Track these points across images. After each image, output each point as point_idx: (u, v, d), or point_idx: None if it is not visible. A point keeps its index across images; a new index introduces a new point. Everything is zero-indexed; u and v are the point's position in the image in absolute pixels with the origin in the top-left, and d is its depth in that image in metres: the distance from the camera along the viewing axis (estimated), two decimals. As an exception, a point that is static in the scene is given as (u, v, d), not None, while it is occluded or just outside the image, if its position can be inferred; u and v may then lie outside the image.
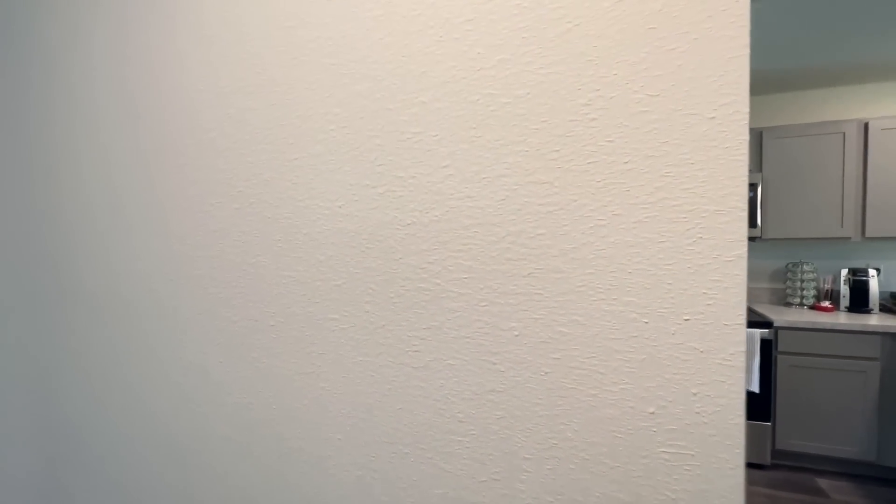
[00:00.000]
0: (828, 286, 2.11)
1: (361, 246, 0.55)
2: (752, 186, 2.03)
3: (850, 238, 1.96)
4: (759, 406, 1.88)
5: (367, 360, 0.55)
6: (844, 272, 2.00)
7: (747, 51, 0.39)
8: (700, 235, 0.42)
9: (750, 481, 1.81)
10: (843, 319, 1.82)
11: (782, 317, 1.89)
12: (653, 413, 0.44)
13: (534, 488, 0.49)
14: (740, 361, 0.41)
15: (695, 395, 0.43)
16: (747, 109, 0.40)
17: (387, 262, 0.54)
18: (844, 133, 1.94)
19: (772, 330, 1.85)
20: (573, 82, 0.45)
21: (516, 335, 0.49)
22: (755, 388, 1.78)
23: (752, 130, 2.09)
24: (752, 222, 2.04)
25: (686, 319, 0.42)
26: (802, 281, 2.12)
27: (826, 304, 2.03)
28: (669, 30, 0.42)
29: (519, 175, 0.47)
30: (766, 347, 1.85)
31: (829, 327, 1.79)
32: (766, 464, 1.89)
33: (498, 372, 0.50)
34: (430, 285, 0.52)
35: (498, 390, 0.50)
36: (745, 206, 0.40)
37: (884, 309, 2.00)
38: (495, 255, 0.49)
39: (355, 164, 0.54)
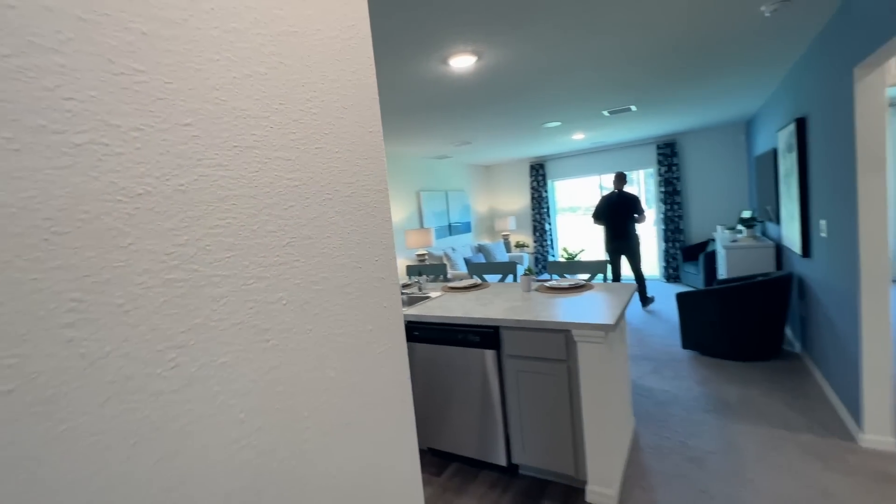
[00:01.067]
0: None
1: (39, 232, 0.31)
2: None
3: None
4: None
5: (83, 421, 0.33)
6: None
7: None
8: (375, 206, 0.65)
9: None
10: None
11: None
12: (371, 329, 0.63)
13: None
14: (398, 278, 0.69)
15: (385, 308, 0.66)
16: (378, 105, 0.67)
17: (105, 251, 0.35)
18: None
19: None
20: (298, 78, 0.53)
21: (284, 304, 0.50)
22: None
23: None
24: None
25: (376, 261, 0.65)
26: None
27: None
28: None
29: (267, 148, 0.49)
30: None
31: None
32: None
33: (273, 348, 0.48)
34: (185, 274, 0.40)
35: (276, 366, 0.49)
36: (386, 185, 0.68)
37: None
38: (256, 227, 0.47)
39: (6, 81, 0.30)
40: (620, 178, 5.45)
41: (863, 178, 2.20)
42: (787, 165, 3.56)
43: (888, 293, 2.24)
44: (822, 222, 2.85)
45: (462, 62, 2.59)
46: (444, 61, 2.58)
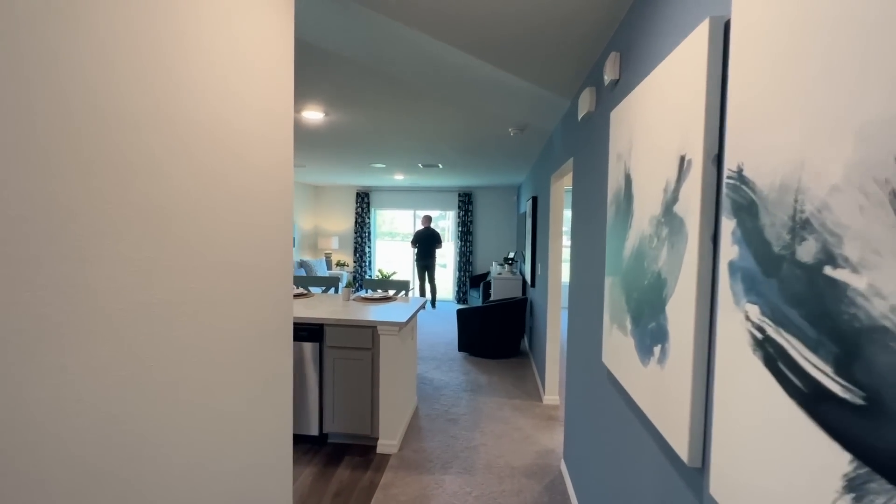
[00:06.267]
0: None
1: (202, 244, 0.97)
2: None
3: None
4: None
5: (205, 308, 0.98)
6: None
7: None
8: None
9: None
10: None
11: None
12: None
13: (257, 340, 1.21)
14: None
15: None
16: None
17: (214, 252, 1.01)
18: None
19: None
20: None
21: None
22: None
23: None
24: None
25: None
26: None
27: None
28: (280, 173, 1.32)
29: (254, 214, 1.17)
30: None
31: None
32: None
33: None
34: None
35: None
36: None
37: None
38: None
39: (201, 198, 0.96)
40: (428, 219, 8.07)
41: (552, 242, 3.76)
42: (529, 225, 5.31)
43: (559, 313, 3.83)
44: (539, 265, 4.48)
45: (313, 115, 3.28)
46: (299, 112, 3.23)
